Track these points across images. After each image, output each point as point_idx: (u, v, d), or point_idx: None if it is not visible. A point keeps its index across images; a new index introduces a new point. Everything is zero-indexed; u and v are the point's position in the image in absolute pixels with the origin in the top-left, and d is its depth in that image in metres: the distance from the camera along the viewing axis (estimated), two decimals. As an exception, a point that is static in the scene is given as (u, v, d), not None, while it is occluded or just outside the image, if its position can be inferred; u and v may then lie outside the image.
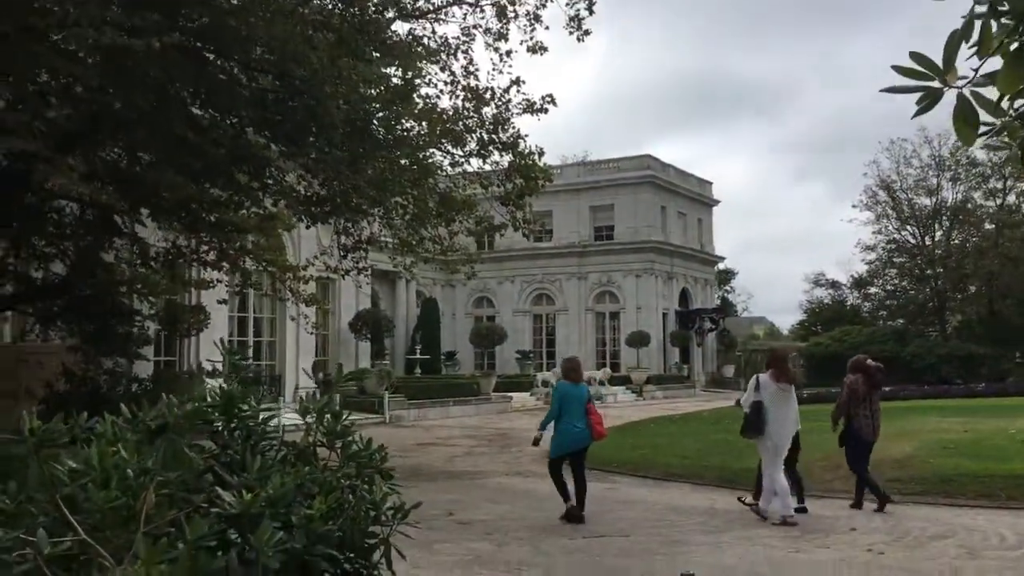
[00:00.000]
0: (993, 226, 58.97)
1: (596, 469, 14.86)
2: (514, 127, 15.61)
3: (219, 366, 4.19)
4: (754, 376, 10.34)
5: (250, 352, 27.99)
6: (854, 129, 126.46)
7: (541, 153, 15.84)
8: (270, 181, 12.46)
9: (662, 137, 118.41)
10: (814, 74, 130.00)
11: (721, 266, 79.01)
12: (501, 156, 15.83)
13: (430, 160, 15.58)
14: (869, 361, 11.23)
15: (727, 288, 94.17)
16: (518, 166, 15.70)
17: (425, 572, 6.95)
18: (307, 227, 15.24)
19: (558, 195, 54.06)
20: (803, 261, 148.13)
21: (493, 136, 15.53)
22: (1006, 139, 2.83)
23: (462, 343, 51.14)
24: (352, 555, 4.08)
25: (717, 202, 60.17)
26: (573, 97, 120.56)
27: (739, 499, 10.61)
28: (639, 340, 47.96)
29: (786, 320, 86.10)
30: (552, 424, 10.15)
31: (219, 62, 12.72)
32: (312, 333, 21.67)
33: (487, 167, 16.38)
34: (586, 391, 10.32)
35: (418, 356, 43.25)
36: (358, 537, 3.99)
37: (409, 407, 29.66)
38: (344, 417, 4.50)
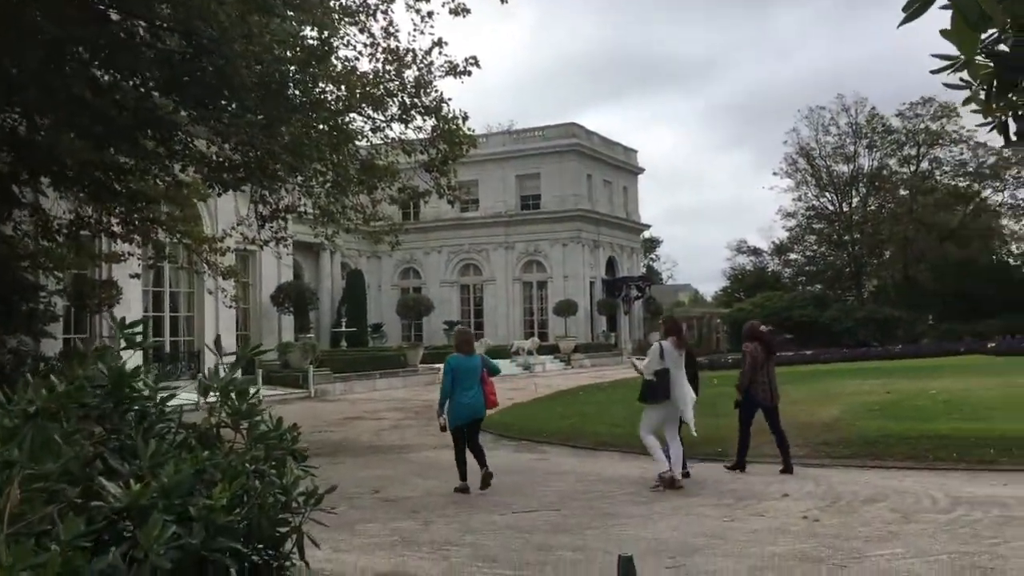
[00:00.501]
0: (907, 192, 60.59)
1: (526, 440, 14.70)
2: (437, 91, 15.11)
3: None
4: (656, 343, 10.30)
5: (166, 328, 27.03)
6: (780, 101, 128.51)
7: (465, 118, 15.37)
8: (178, 147, 11.74)
9: (590, 107, 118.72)
10: (741, 46, 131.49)
11: (647, 234, 79.65)
12: (424, 121, 15.32)
13: (350, 125, 14.99)
14: (762, 327, 11.32)
15: (653, 256, 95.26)
16: (442, 131, 15.22)
17: (347, 556, 6.57)
18: (218, 195, 14.51)
19: (484, 165, 53.58)
20: (728, 230, 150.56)
21: (415, 100, 15.00)
22: (966, 77, 2.49)
23: (389, 315, 50.52)
24: (261, 546, 3.70)
25: (642, 170, 60.42)
26: (502, 67, 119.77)
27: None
28: (567, 309, 47.99)
29: (710, 287, 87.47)
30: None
31: (121, 20, 11.94)
32: (231, 307, 20.92)
33: (410, 133, 15.84)
34: (479, 362, 10.13)
35: (344, 329, 42.55)
36: (267, 527, 3.60)
37: (335, 381, 29.07)
38: (252, 395, 4.09)
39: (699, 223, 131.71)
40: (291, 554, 3.69)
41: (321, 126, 12.97)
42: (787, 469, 10.35)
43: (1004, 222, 60.95)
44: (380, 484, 10.70)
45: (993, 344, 32.95)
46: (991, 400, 13.71)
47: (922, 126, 59.23)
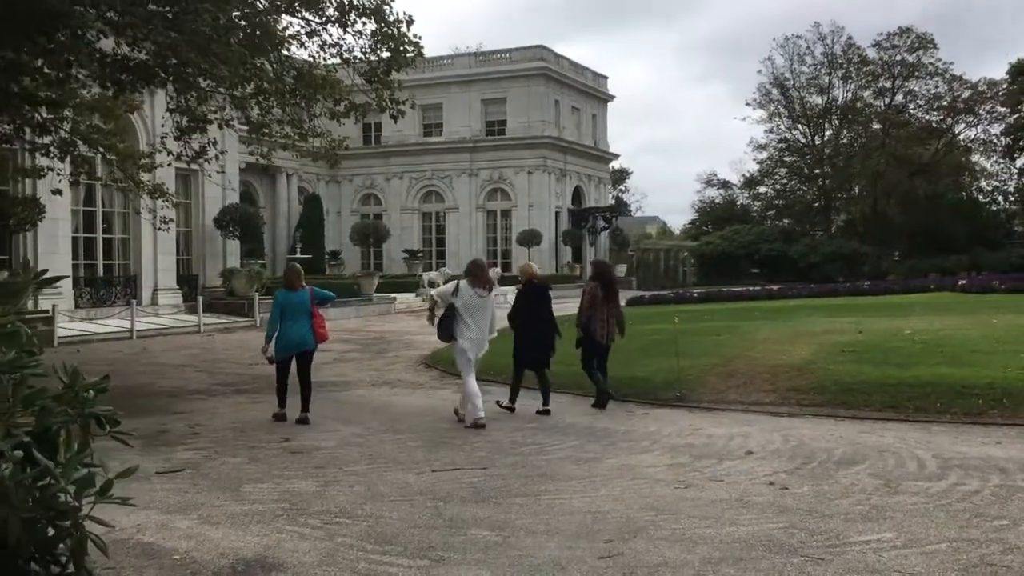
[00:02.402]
0: (880, 126, 59.46)
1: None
2: (377, -13, 13.47)
3: None
4: (455, 280, 10.41)
5: (99, 250, 25.36)
6: (757, 37, 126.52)
7: (410, 21, 13.79)
8: (63, 38, 10.11)
9: (565, 40, 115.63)
10: None
11: (616, 165, 78.08)
12: (364, 25, 13.70)
13: (278, 26, 13.36)
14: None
15: (622, 188, 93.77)
16: (383, 36, 13.63)
17: (213, 531, 5.34)
18: (115, 97, 12.85)
19: (449, 88, 51.67)
20: (700, 163, 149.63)
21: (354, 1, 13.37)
22: None
23: (348, 242, 48.94)
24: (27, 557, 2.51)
25: (612, 97, 58.61)
26: (480, 6, 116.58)
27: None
28: (530, 239, 46.70)
29: (679, 220, 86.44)
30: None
31: None
32: (161, 229, 19.34)
33: (350, 39, 14.21)
34: (307, 296, 10.30)
35: (299, 255, 40.96)
36: (26, 528, 2.42)
37: (282, 310, 27.59)
38: (24, 338, 2.85)
39: (672, 156, 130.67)
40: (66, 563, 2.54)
41: (242, 23, 11.34)
42: (601, 403, 10.44)
43: (975, 158, 60.24)
44: (294, 430, 9.48)
45: (964, 281, 32.19)
46: (971, 342, 12.69)
47: (898, 58, 57.84)
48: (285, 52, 14.11)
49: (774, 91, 60.97)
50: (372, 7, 13.31)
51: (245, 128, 16.74)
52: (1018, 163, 57.43)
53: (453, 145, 51.24)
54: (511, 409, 10.45)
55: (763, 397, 10.23)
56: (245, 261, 30.37)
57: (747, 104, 63.73)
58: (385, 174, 53.34)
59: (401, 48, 14.08)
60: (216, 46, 10.08)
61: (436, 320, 10.36)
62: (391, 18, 13.37)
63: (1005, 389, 9.08)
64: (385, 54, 14.14)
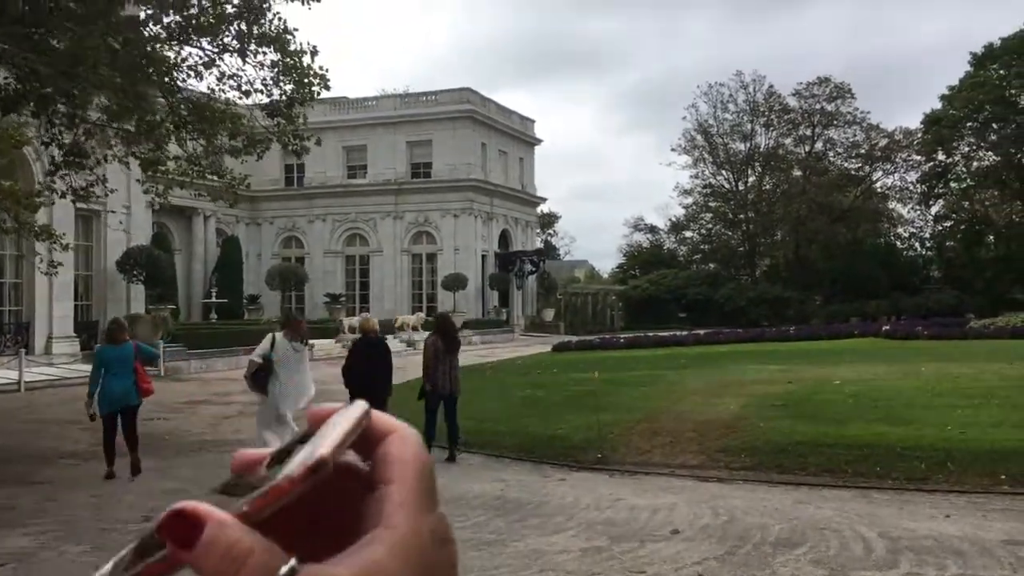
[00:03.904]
0: (801, 172, 60.50)
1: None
2: (280, 18, 12.55)
3: None
4: (270, 333, 10.13)
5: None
6: (683, 89, 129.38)
7: (315, 52, 12.88)
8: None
9: (499, 90, 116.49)
10: (648, 38, 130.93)
11: (545, 209, 77.98)
12: (264, 55, 12.74)
13: (165, 51, 12.31)
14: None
15: (551, 231, 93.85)
16: (286, 67, 12.68)
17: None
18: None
19: (374, 129, 50.79)
20: (631, 208, 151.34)
21: (253, 27, 12.42)
22: None
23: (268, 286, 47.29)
24: None
25: (540, 141, 58.42)
26: (419, 53, 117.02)
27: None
28: (456, 283, 45.74)
29: (607, 264, 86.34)
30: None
31: None
32: (49, 274, 17.87)
33: (250, 70, 13.22)
34: (130, 350, 10.17)
35: (214, 300, 39.33)
36: None
37: (190, 358, 26.10)
38: None
39: (602, 201, 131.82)
40: None
41: (118, 47, 10.26)
42: (451, 458, 10.26)
43: (892, 205, 61.62)
44: (161, 504, 8.28)
45: (888, 327, 32.29)
46: (905, 394, 12.13)
47: (818, 106, 59.12)
48: (181, 83, 13.09)
49: (699, 137, 61.74)
50: (273, 35, 12.37)
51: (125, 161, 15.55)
52: (933, 210, 58.97)
53: (378, 187, 50.28)
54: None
55: (690, 459, 9.41)
56: (151, 307, 28.73)
57: (673, 150, 64.33)
58: (307, 216, 52.01)
59: (306, 81, 13.16)
60: (84, 70, 9.00)
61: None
62: (293, 48, 12.43)
63: (948, 452, 8.41)
64: (288, 87, 13.19)
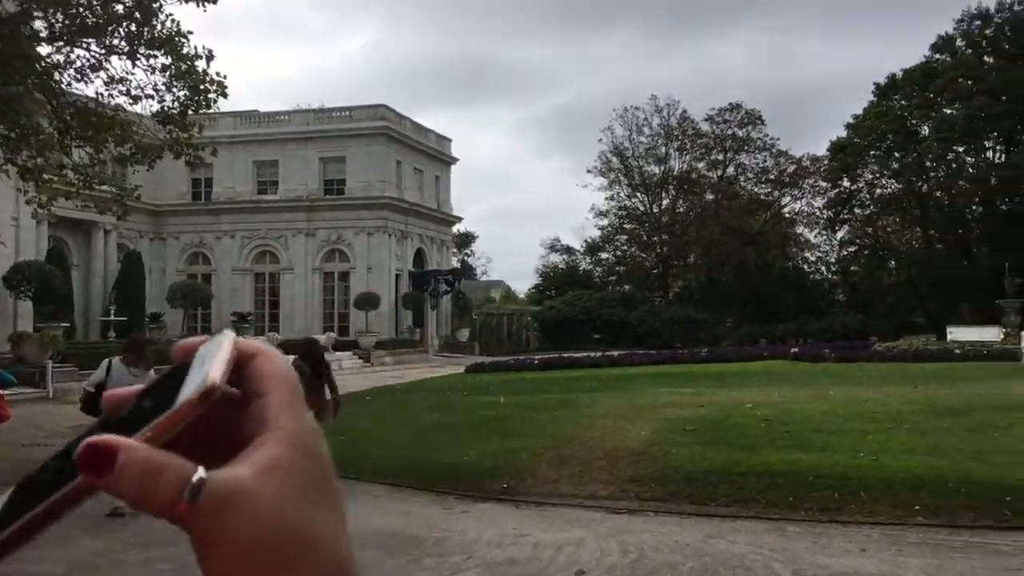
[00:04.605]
0: (714, 196, 61.55)
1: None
2: (172, 20, 11.82)
3: None
4: (107, 359, 9.66)
5: None
6: (601, 114, 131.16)
7: (210, 57, 12.19)
8: None
9: (419, 111, 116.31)
10: (567, 63, 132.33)
11: (462, 229, 77.53)
12: (155, 58, 11.99)
13: (60, 56, 11.48)
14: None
15: (468, 251, 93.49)
16: (178, 72, 11.94)
17: None
18: None
19: (286, 144, 49.65)
20: (548, 229, 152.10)
21: (143, 29, 11.66)
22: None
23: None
24: None
25: (456, 160, 58.04)
26: (336, 75, 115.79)
27: None
28: (369, 302, 44.83)
29: (523, 284, 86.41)
30: None
31: None
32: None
33: (141, 74, 12.44)
34: None
35: (113, 318, 37.59)
36: None
37: (80, 379, 24.66)
38: None
39: (520, 222, 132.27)
40: None
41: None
42: None
43: (800, 230, 63.09)
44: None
45: (796, 349, 32.75)
46: (815, 419, 12.00)
47: (729, 132, 60.31)
48: (65, 86, 12.23)
49: (614, 159, 62.30)
50: (164, 37, 11.63)
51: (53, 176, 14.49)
52: (839, 235, 60.60)
53: (289, 203, 49.10)
54: None
55: (599, 489, 9.00)
56: (41, 325, 27.17)
57: (589, 171, 64.65)
58: (216, 232, 50.44)
59: (201, 87, 12.44)
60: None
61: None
62: (186, 51, 11.71)
63: (860, 480, 8.19)
64: (182, 93, 12.45)
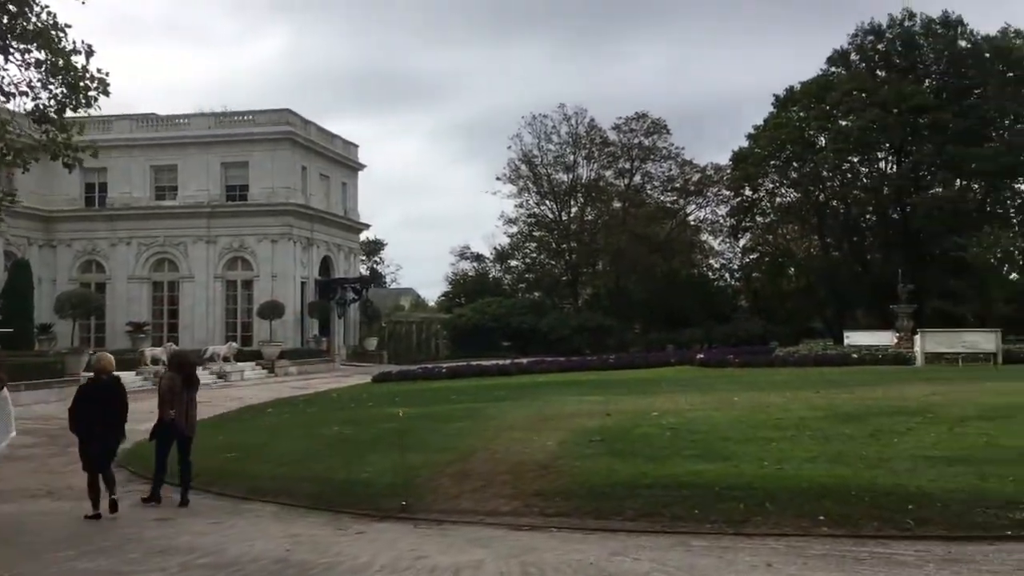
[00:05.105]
0: (621, 204, 62.21)
1: (167, 483, 10.98)
2: (48, 12, 11.05)
3: None
4: None
5: None
6: (511, 123, 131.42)
7: (90, 53, 11.44)
8: None
9: (329, 118, 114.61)
10: (479, 72, 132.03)
11: (371, 236, 76.39)
12: (29, 52, 11.18)
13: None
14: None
15: (376, 259, 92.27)
16: (54, 67, 11.17)
17: None
18: None
19: (185, 148, 48.09)
20: (459, 237, 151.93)
21: (16, 22, 10.87)
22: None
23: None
24: None
25: (363, 166, 57.19)
26: (246, 81, 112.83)
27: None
28: (273, 311, 43.65)
29: (435, 292, 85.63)
30: None
31: None
32: None
33: (14, 69, 11.60)
34: None
35: (-2, 329, 35.51)
36: None
37: (-43, 395, 23.13)
38: None
39: (432, 230, 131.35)
40: None
41: None
42: (184, 503, 9.83)
43: (705, 237, 64.27)
44: None
45: (702, 355, 33.15)
46: (721, 427, 11.94)
47: (636, 141, 61.06)
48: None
49: (523, 167, 62.34)
50: (38, 30, 10.85)
51: None
52: (741, 242, 61.96)
53: (189, 210, 47.53)
54: (98, 516, 9.34)
55: (502, 505, 8.66)
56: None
57: (498, 179, 64.50)
58: (110, 239, 48.52)
59: (81, 84, 11.67)
60: None
61: None
62: (61, 45, 10.95)
63: (766, 491, 8.06)
64: (59, 90, 11.65)
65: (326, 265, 52.29)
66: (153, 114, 51.24)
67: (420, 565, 6.84)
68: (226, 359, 37.61)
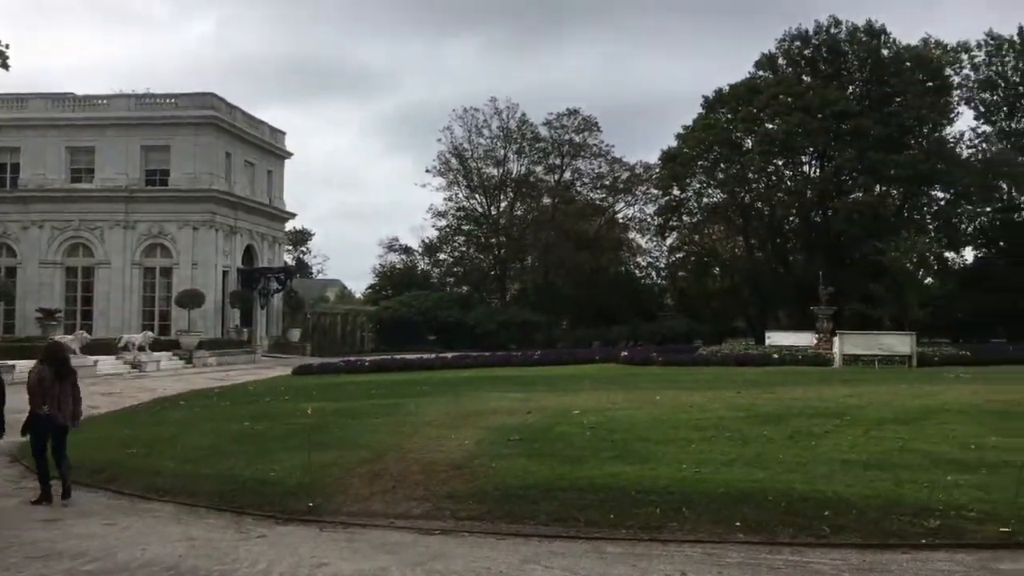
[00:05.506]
0: (551, 200, 62.23)
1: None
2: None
3: None
4: None
5: None
6: (444, 117, 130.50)
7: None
8: None
9: (260, 107, 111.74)
10: (412, 66, 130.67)
11: (298, 226, 75.06)
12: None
13: None
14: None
15: (303, 249, 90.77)
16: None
17: None
18: None
19: (104, 130, 46.42)
20: (389, 229, 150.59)
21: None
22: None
23: (-34, 299, 41.62)
24: None
25: (290, 154, 56.07)
26: (179, 65, 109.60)
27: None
28: (192, 300, 42.44)
29: (360, 284, 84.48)
30: None
31: None
32: None
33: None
34: None
35: None
36: None
37: None
38: None
39: (360, 222, 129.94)
40: None
41: None
42: (66, 494, 9.48)
43: (632, 235, 64.73)
44: None
45: (626, 353, 33.24)
46: (641, 426, 11.79)
47: (567, 137, 61.14)
48: None
49: (453, 160, 61.93)
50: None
51: None
52: (668, 241, 62.53)
53: (107, 194, 46.00)
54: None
55: (413, 507, 8.33)
56: None
57: (428, 171, 63.92)
58: (22, 222, 46.69)
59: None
60: None
61: None
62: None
63: (683, 495, 7.89)
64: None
65: (249, 254, 51.13)
66: (70, 94, 49.38)
67: (320, 573, 6.47)
68: (141, 348, 36.40)
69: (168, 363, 37.24)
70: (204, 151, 45.96)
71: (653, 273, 65.24)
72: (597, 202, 63.08)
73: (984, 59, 56.15)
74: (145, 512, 8.94)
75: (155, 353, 37.10)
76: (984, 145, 56.61)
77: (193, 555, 7.07)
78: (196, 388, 24.60)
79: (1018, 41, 55.41)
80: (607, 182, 62.25)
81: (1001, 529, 6.95)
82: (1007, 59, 55.84)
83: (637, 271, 65.03)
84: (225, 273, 47.54)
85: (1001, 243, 55.18)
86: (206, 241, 45.90)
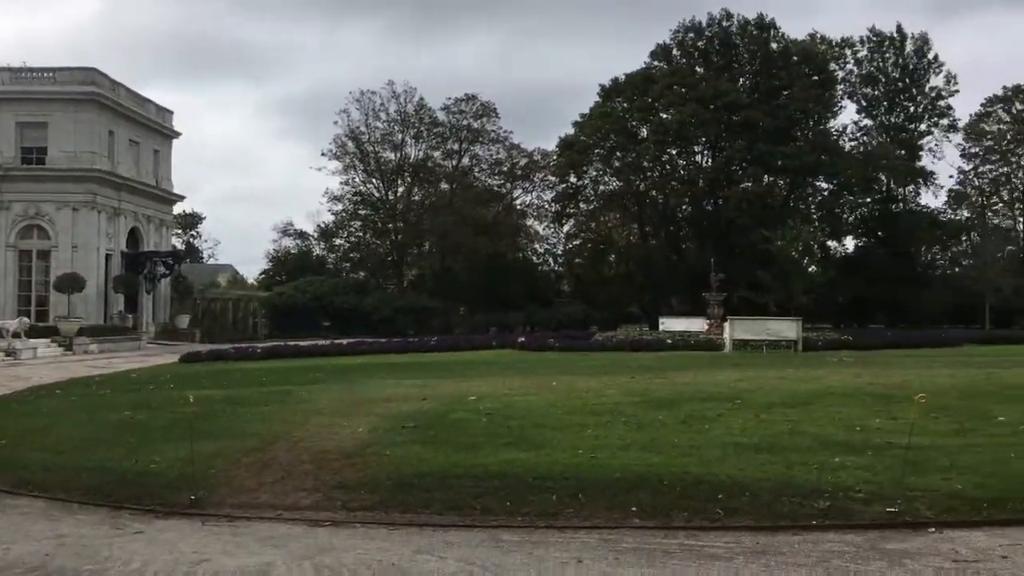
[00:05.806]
0: (449, 186, 61.87)
1: None
2: None
3: None
4: None
5: None
6: (342, 98, 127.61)
7: None
8: None
9: (149, 87, 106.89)
10: (310, 47, 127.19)
11: (188, 209, 72.59)
12: None
13: None
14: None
15: (193, 233, 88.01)
16: None
17: None
18: None
19: (-26, 105, 43.68)
20: (284, 214, 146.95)
21: None
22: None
23: None
24: None
25: (178, 134, 54.05)
26: (64, 41, 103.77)
27: None
28: (72, 284, 40.50)
29: (254, 269, 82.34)
30: None
31: None
32: None
33: None
34: None
35: None
36: None
37: None
38: None
39: (253, 206, 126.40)
40: None
41: None
42: None
43: (529, 222, 65.02)
44: None
45: (523, 339, 33.33)
46: (538, 412, 11.73)
47: (465, 122, 60.83)
48: None
49: (350, 144, 60.86)
50: None
51: None
52: (565, 228, 63.06)
53: (-23, 172, 43.34)
54: None
55: (303, 498, 8.02)
56: None
57: (323, 154, 62.59)
58: None
59: None
60: None
61: None
62: None
63: (579, 480, 7.83)
64: None
65: (134, 237, 49.12)
66: (-62, 65, 46.34)
67: (200, 570, 6.12)
68: (16, 335, 34.51)
69: (46, 350, 35.45)
70: (85, 128, 43.84)
71: (550, 260, 65.75)
72: (495, 188, 63.07)
73: (867, 55, 58.52)
74: (11, 509, 8.35)
75: (31, 340, 35.27)
76: (865, 138, 59.06)
77: (62, 554, 6.61)
78: (75, 376, 23.42)
79: (898, 38, 57.92)
80: (505, 168, 62.29)
81: (887, 509, 7.12)
82: (887, 55, 58.32)
83: (535, 258, 65.39)
84: (108, 257, 45.55)
85: (879, 233, 57.71)
86: (87, 223, 43.85)
